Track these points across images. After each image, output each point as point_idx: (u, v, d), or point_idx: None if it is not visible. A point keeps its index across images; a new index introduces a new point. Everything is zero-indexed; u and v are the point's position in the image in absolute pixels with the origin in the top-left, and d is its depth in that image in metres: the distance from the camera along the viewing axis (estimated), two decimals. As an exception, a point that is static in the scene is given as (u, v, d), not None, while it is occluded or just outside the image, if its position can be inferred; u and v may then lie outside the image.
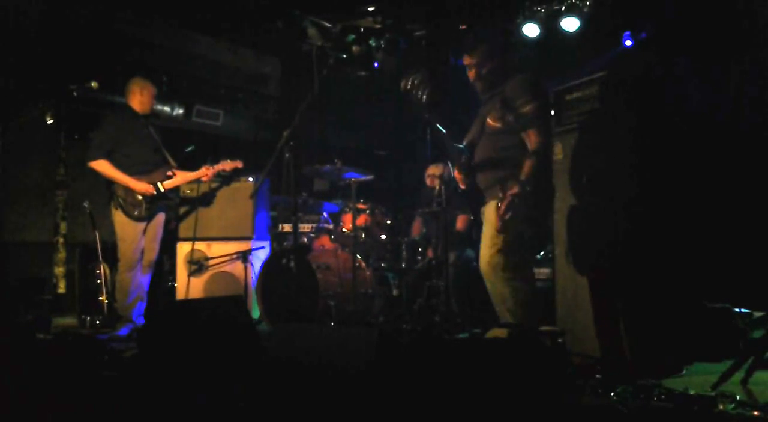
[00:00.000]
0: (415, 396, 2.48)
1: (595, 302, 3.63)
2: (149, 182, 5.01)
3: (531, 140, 3.67)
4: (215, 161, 5.32)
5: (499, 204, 3.56)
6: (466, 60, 3.94)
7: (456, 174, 3.99)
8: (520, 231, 3.66)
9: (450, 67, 6.66)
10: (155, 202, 5.07)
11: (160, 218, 5.20)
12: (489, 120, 3.81)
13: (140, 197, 4.98)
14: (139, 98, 5.12)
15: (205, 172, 5.27)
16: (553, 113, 4.17)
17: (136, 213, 4.98)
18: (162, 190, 5.07)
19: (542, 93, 3.82)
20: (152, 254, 5.15)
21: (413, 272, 5.45)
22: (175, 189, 5.46)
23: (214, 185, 5.69)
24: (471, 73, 3.94)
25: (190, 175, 5.28)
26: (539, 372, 2.53)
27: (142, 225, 5.04)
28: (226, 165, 5.32)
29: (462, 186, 4.00)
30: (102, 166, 4.95)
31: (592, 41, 5.73)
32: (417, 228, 6.07)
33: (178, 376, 2.77)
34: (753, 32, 4.58)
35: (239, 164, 5.35)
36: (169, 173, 5.17)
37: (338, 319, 5.00)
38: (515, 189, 3.55)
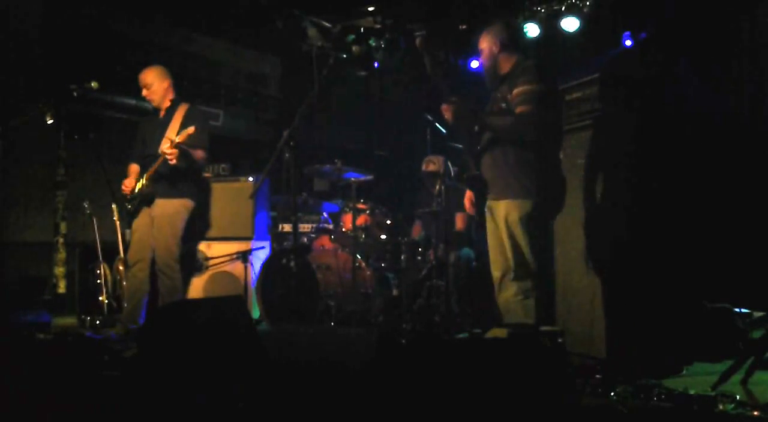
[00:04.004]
0: (414, 396, 2.48)
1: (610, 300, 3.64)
2: (138, 178, 4.96)
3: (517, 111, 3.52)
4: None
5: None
6: (480, 44, 3.84)
7: (467, 201, 3.85)
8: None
9: (449, 67, 6.66)
10: (133, 199, 4.94)
11: (157, 216, 4.88)
12: (498, 108, 3.69)
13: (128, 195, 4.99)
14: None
15: (169, 147, 4.62)
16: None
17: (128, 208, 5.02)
18: (143, 182, 4.88)
19: (547, 78, 3.62)
20: (157, 253, 4.88)
21: (413, 273, 5.45)
22: (174, 187, 5.17)
23: (214, 184, 5.68)
24: (483, 57, 3.82)
25: (159, 159, 4.76)
26: (539, 372, 2.53)
27: (135, 223, 4.96)
28: (190, 130, 4.63)
29: (471, 212, 3.85)
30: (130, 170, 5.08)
31: (592, 41, 5.73)
32: (417, 232, 6.06)
33: (178, 376, 2.77)
34: (753, 32, 4.58)
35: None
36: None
37: (338, 319, 5.00)
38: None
